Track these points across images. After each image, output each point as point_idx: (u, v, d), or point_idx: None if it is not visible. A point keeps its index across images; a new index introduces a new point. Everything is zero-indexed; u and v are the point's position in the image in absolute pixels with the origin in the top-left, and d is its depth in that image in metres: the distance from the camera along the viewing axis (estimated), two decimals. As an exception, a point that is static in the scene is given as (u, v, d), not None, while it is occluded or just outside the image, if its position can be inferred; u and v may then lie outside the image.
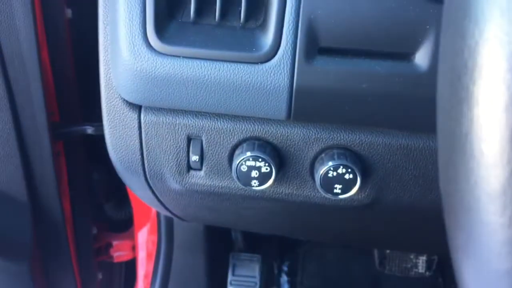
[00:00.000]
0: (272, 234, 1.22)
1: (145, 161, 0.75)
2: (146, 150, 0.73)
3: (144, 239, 1.37)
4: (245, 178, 0.69)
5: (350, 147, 0.69)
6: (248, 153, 0.68)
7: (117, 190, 1.32)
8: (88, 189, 1.25)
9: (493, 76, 0.31)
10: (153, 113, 0.71)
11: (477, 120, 0.32)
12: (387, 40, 0.60)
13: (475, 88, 0.32)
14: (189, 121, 0.70)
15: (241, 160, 0.68)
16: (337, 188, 0.68)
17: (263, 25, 0.63)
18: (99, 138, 0.84)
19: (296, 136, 0.69)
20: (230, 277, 1.44)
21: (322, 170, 0.68)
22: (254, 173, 0.68)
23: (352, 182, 0.68)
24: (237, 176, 0.69)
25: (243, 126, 0.70)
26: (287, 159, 0.71)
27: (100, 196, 1.33)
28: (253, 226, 1.02)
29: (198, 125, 0.70)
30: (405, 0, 0.59)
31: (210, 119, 0.70)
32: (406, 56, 0.61)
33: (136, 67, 0.65)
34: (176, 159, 0.73)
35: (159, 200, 0.84)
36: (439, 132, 0.39)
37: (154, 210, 1.29)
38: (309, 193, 0.74)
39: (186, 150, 0.72)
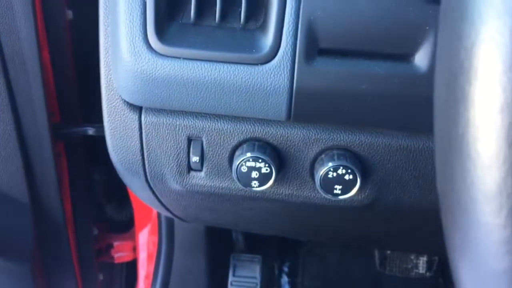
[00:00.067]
0: (272, 234, 1.23)
1: (146, 162, 0.75)
2: (147, 151, 0.74)
3: (145, 240, 1.37)
4: (245, 179, 0.69)
5: (350, 148, 0.70)
6: (248, 154, 0.68)
7: (118, 191, 1.32)
8: (89, 190, 1.25)
9: (489, 78, 0.31)
10: (154, 114, 0.71)
11: (473, 121, 0.33)
12: (387, 41, 0.61)
13: (471, 89, 0.32)
14: (190, 122, 0.70)
15: (241, 161, 0.68)
16: (337, 188, 0.68)
17: (263, 27, 0.63)
18: (100, 139, 0.84)
19: (296, 137, 0.70)
20: (230, 278, 1.44)
21: (322, 171, 0.68)
22: (254, 174, 0.69)
23: (352, 182, 0.68)
24: (237, 177, 0.69)
25: (243, 127, 0.70)
26: (287, 160, 0.71)
27: (101, 197, 1.33)
28: (253, 227, 1.02)
29: (198, 126, 0.71)
30: (405, 1, 0.59)
31: (211, 120, 0.70)
32: (406, 57, 0.62)
33: (136, 68, 0.65)
34: (176, 160, 0.73)
35: (159, 201, 0.85)
36: (436, 133, 0.39)
37: (155, 211, 1.30)
38: (309, 194, 0.74)
39: (187, 151, 0.72)
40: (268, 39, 0.62)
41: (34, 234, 1.09)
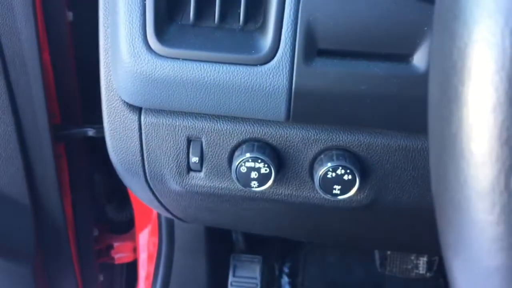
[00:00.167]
0: (272, 235, 1.23)
1: (146, 163, 0.75)
2: (146, 152, 0.74)
3: (145, 241, 1.37)
4: (244, 179, 0.69)
5: (349, 148, 0.70)
6: (248, 154, 0.68)
7: (118, 192, 1.33)
8: (89, 191, 1.26)
9: (481, 78, 0.32)
10: (153, 115, 0.71)
11: (466, 120, 0.33)
12: (386, 41, 0.61)
13: (464, 89, 0.33)
14: (189, 122, 0.71)
15: (240, 161, 0.68)
16: (336, 189, 0.69)
17: (262, 27, 0.64)
18: (100, 140, 0.84)
19: (295, 137, 0.70)
20: (231, 278, 1.44)
21: (321, 171, 0.68)
22: (254, 174, 0.69)
23: (351, 183, 0.68)
24: (236, 177, 0.69)
25: (243, 128, 0.70)
26: (287, 160, 0.72)
27: (101, 197, 1.34)
28: (253, 227, 1.03)
29: (198, 126, 0.71)
30: (403, 2, 0.60)
31: (210, 121, 0.70)
32: (404, 57, 0.62)
33: (136, 69, 0.65)
34: (176, 161, 0.73)
35: (159, 202, 0.85)
36: (429, 132, 0.39)
37: (155, 211, 1.30)
38: (308, 194, 0.74)
39: (186, 151, 0.73)
40: (267, 40, 0.62)
41: (34, 235, 1.10)
